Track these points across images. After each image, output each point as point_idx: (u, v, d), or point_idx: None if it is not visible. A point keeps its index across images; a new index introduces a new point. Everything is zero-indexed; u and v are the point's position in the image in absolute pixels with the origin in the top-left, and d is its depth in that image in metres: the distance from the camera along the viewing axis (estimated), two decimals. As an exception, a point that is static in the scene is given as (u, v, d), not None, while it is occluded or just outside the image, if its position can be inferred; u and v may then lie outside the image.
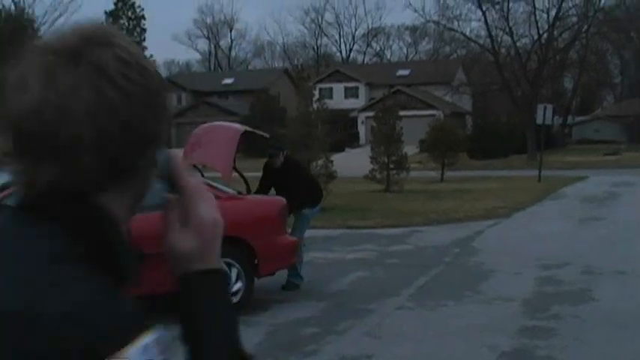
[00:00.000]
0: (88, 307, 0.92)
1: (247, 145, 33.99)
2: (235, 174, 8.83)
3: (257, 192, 9.42)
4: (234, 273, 8.03)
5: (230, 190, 8.54)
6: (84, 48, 0.99)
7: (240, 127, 9.18)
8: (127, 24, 71.68)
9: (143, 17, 71.89)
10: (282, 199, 9.17)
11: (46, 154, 0.97)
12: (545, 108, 29.25)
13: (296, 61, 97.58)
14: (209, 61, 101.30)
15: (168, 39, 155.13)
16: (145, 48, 72.53)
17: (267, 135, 9.67)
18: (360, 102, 69.98)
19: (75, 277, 0.95)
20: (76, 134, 0.96)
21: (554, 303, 8.22)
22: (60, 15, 48.72)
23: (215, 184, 8.53)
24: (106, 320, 0.92)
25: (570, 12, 50.38)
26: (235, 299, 8.04)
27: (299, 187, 9.27)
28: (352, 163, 30.25)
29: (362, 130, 63.52)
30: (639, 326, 7.20)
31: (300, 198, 9.24)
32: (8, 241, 1.00)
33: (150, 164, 1.11)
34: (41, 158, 0.97)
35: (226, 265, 7.99)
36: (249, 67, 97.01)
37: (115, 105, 0.98)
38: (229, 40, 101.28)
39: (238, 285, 8.05)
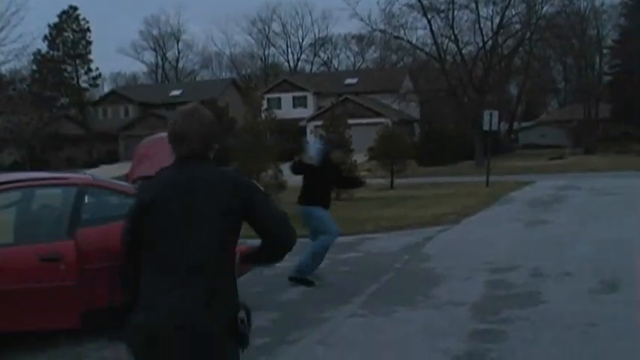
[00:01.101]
0: (238, 173, 3.70)
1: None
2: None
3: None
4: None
5: (179, 202, 8.47)
6: (194, 111, 3.66)
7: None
8: (71, 37, 70.85)
9: (88, 30, 71.21)
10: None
11: (197, 142, 3.54)
12: (491, 114, 29.61)
13: (244, 72, 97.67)
14: (156, 73, 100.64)
15: (114, 51, 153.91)
16: (90, 61, 71.93)
17: (215, 146, 9.60)
18: (308, 111, 70.13)
19: (228, 169, 3.69)
20: (201, 136, 3.55)
21: (504, 306, 8.32)
22: (2, 28, 47.97)
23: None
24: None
25: (513, 19, 51.19)
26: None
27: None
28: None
29: (311, 139, 63.57)
30: (586, 327, 7.32)
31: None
32: (201, 167, 3.54)
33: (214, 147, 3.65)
34: (196, 142, 3.54)
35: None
36: (197, 79, 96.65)
37: (207, 129, 3.59)
38: (176, 52, 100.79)
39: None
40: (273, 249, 3.72)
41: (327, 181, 10.48)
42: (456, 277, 10.26)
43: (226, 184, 3.47)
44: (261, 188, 3.78)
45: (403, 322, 7.94)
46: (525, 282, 9.64)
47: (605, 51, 69.06)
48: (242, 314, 3.54)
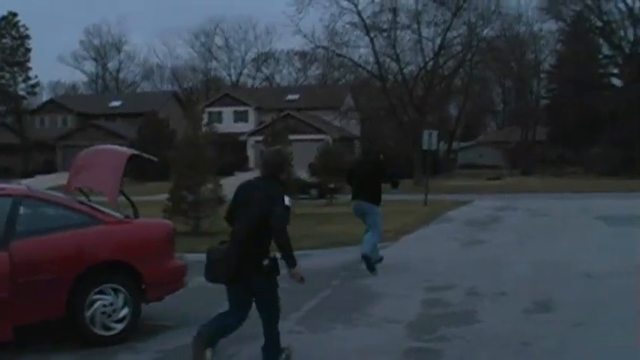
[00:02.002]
0: (281, 192, 6.29)
1: (134, 169, 33.37)
2: (122, 198, 8.67)
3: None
4: (121, 298, 7.87)
5: (117, 215, 8.38)
6: (276, 150, 6.99)
7: (128, 151, 9.03)
8: (10, 43, 69.60)
9: (28, 37, 70.02)
10: (170, 224, 9.07)
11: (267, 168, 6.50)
12: (430, 134, 29.93)
13: (185, 85, 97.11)
14: (96, 83, 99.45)
15: (54, 60, 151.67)
16: (29, 68, 70.73)
17: (154, 159, 9.53)
18: (249, 126, 70.02)
19: (279, 188, 6.35)
20: (270, 166, 6.50)
21: (441, 325, 8.38)
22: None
23: (101, 208, 8.36)
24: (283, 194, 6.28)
25: (455, 41, 51.93)
26: (122, 325, 7.88)
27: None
28: (242, 187, 30.17)
29: (251, 154, 63.56)
30: (520, 346, 7.41)
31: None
32: (265, 182, 6.43)
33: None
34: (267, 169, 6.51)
35: (113, 290, 7.85)
36: (138, 90, 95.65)
37: (275, 162, 6.55)
38: (117, 62, 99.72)
39: (125, 311, 7.88)
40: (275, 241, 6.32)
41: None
42: (393, 295, 10.31)
43: (265, 195, 6.31)
44: (286, 204, 6.23)
45: (339, 339, 7.94)
46: (461, 301, 9.73)
47: (542, 75, 70.49)
48: (265, 261, 6.42)
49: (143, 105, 68.34)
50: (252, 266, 6.35)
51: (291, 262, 6.40)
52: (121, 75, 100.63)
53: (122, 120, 71.40)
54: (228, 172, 43.93)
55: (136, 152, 9.15)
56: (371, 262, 12.26)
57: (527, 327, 8.22)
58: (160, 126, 57.92)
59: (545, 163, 62.82)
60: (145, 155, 9.43)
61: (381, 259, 12.82)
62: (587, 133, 57.61)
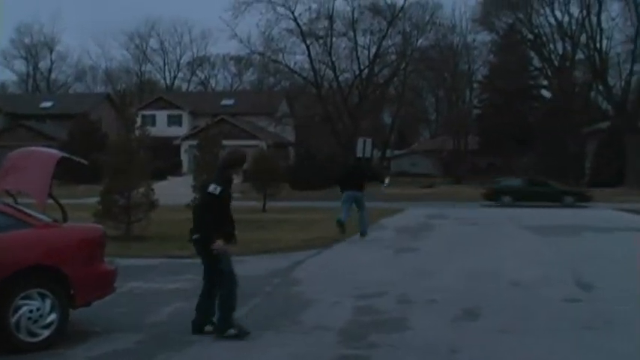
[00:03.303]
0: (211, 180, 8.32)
1: (64, 172, 32.83)
2: (51, 201, 8.52)
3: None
4: (48, 304, 7.71)
5: (45, 218, 8.23)
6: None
7: (58, 153, 8.88)
8: None
9: (-45, 34, 68.35)
10: (100, 228, 8.95)
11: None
12: (364, 141, 30.03)
13: (119, 87, 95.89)
14: (26, 83, 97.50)
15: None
16: (-44, 66, 68.94)
17: (85, 162, 9.39)
18: (183, 130, 69.53)
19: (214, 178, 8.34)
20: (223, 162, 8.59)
21: (371, 332, 8.43)
22: None
23: (29, 212, 8.20)
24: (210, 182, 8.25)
25: (390, 50, 52.51)
26: (49, 331, 7.72)
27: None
28: (174, 191, 29.92)
29: (185, 158, 63.10)
30: (449, 354, 7.51)
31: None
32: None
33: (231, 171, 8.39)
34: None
35: (40, 295, 7.69)
36: (70, 91, 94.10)
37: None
38: (49, 62, 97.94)
39: (52, 316, 7.73)
40: None
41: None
42: (325, 302, 10.33)
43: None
44: (208, 191, 8.09)
45: (270, 346, 7.93)
46: (392, 308, 9.81)
47: (475, 85, 71.59)
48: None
49: (75, 106, 67.26)
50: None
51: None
52: (53, 75, 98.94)
53: (53, 121, 70.14)
54: (161, 176, 43.55)
55: (65, 155, 9.00)
56: (365, 233, 19.05)
57: (455, 334, 8.32)
58: (91, 128, 57.11)
59: (476, 172, 63.77)
60: (75, 158, 9.28)
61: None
62: (517, 142, 58.68)
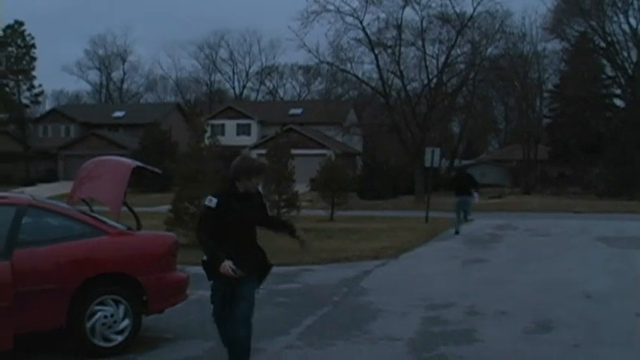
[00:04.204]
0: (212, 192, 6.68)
1: (137, 181, 33.40)
2: (125, 209, 8.70)
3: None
4: (121, 310, 7.89)
5: (119, 226, 8.41)
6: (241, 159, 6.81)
7: (132, 162, 9.07)
8: (15, 52, 69.71)
9: (34, 46, 70.10)
10: (173, 236, 9.09)
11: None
12: (433, 151, 29.93)
13: (189, 96, 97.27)
14: (100, 93, 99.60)
15: (59, 69, 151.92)
16: (33, 77, 70.86)
17: (158, 171, 9.57)
18: (252, 139, 70.07)
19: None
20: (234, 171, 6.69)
21: (440, 343, 8.39)
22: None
23: (104, 219, 8.39)
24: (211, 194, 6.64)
25: (459, 59, 51.97)
26: (122, 337, 7.89)
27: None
28: (243, 200, 30.14)
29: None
30: (520, 366, 7.43)
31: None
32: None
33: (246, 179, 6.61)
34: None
35: (114, 302, 7.87)
36: (141, 101, 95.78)
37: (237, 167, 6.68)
38: (121, 73, 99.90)
39: (126, 322, 7.91)
40: None
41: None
42: (393, 312, 10.32)
43: None
44: (205, 203, 6.71)
45: (340, 355, 7.96)
46: (461, 319, 9.74)
47: (545, 94, 70.50)
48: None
49: (146, 116, 68.40)
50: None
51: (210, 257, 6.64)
52: (125, 85, 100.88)
53: (125, 130, 71.51)
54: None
55: (140, 164, 9.18)
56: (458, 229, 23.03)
57: (526, 347, 8.22)
58: (162, 137, 58.02)
59: (545, 182, 62.77)
60: (149, 167, 9.46)
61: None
62: (588, 153, 57.60)
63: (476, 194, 23.20)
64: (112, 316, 7.85)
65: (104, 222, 8.30)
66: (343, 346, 8.35)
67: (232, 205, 6.53)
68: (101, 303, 7.82)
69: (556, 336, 8.77)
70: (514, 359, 7.67)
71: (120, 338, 7.90)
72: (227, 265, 6.31)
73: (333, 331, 9.08)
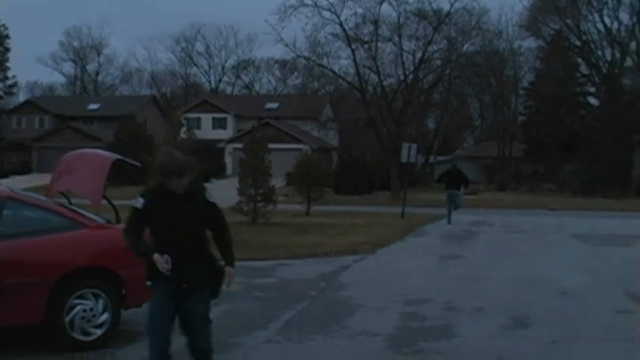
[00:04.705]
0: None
1: (115, 174, 33.18)
2: (105, 202, 8.66)
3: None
4: (101, 304, 7.85)
5: (99, 219, 8.36)
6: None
7: (112, 156, 9.03)
8: (-13, 42, 68.95)
9: (7, 37, 69.33)
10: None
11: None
12: (409, 147, 29.99)
13: (164, 90, 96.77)
14: (74, 85, 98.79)
15: (33, 60, 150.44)
16: (7, 68, 70.14)
17: (138, 164, 9.54)
18: (227, 133, 69.93)
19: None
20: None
21: (419, 338, 8.43)
22: None
23: (83, 213, 8.34)
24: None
25: (435, 55, 52.04)
26: (101, 331, 7.85)
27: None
28: (219, 193, 30.07)
29: (229, 161, 63.45)
30: (498, 362, 7.49)
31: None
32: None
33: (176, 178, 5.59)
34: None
35: (94, 295, 7.83)
36: (116, 94, 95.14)
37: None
38: (97, 65, 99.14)
39: (105, 316, 7.87)
40: None
41: None
42: (371, 308, 10.35)
43: None
44: (133, 204, 5.80)
45: (319, 350, 7.98)
46: (438, 315, 9.79)
47: (520, 92, 70.89)
48: None
49: (121, 108, 67.95)
50: None
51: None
52: (100, 78, 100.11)
53: (99, 123, 71.04)
54: (206, 178, 43.80)
55: (120, 157, 9.14)
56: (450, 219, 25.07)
57: (504, 343, 8.28)
58: (137, 130, 57.68)
59: (520, 180, 63.18)
60: (129, 160, 9.42)
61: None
62: (562, 150, 58.01)
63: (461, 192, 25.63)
64: (91, 309, 7.81)
65: (83, 215, 8.25)
66: (322, 340, 8.37)
67: (161, 204, 5.66)
68: (80, 297, 7.77)
69: (533, 332, 8.84)
70: (492, 355, 7.72)
71: (99, 332, 7.86)
72: (158, 257, 5.57)
73: (312, 325, 9.10)
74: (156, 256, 5.58)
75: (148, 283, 5.94)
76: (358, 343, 8.30)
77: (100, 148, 23.92)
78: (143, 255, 5.80)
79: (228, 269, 5.92)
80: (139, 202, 5.73)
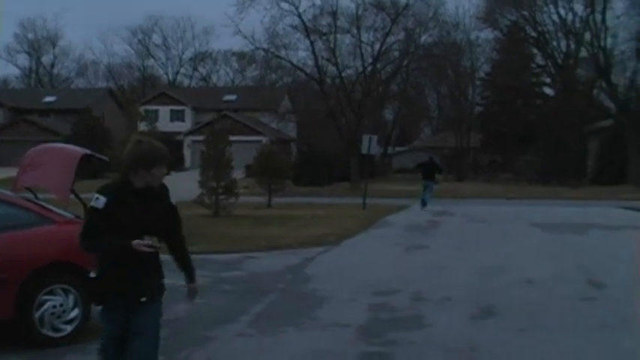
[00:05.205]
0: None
1: (81, 168, 32.75)
2: (73, 197, 8.57)
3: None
4: (71, 299, 7.77)
5: (67, 214, 8.27)
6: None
7: (81, 150, 8.93)
8: (-61, 34, 67.65)
9: (-41, 29, 68.22)
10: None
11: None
12: (370, 138, 30.11)
13: (121, 82, 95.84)
14: (29, 78, 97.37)
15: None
16: (-41, 61, 68.91)
17: (106, 159, 9.45)
18: (186, 125, 69.56)
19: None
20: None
21: (389, 329, 8.48)
22: None
23: (51, 208, 8.25)
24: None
25: (393, 47, 52.24)
26: (72, 327, 7.78)
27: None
28: (178, 186, 29.87)
29: (187, 153, 63.12)
30: (469, 351, 7.57)
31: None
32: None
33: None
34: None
35: (64, 291, 7.75)
36: (72, 86, 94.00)
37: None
38: (52, 57, 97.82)
39: (75, 312, 7.79)
40: None
41: None
42: (340, 299, 10.39)
43: None
44: (90, 204, 4.91)
45: (291, 342, 7.98)
46: (408, 306, 9.86)
47: (477, 82, 71.47)
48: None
49: (78, 101, 67.20)
50: None
51: None
52: (55, 70, 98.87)
53: (56, 116, 70.10)
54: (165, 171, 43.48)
55: (88, 152, 9.04)
56: (425, 204, 27.12)
57: (474, 332, 8.37)
58: (94, 123, 57.05)
59: (477, 170, 63.81)
60: (97, 155, 9.33)
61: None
62: (519, 140, 58.67)
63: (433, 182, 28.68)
64: (61, 305, 7.73)
65: (51, 210, 8.16)
66: (294, 333, 8.38)
67: (128, 203, 4.86)
68: (50, 292, 7.69)
69: (502, 321, 8.95)
70: (464, 344, 7.79)
71: (69, 328, 7.79)
72: (138, 241, 4.76)
73: (283, 318, 9.11)
74: (135, 241, 4.73)
75: (99, 307, 5.09)
76: (330, 334, 8.33)
77: (57, 141, 23.66)
78: (109, 248, 4.87)
79: (192, 286, 5.40)
80: (99, 201, 4.82)
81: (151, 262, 4.97)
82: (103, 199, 4.82)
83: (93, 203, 4.85)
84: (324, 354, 7.51)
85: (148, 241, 4.78)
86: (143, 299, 4.95)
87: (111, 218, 4.82)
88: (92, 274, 5.05)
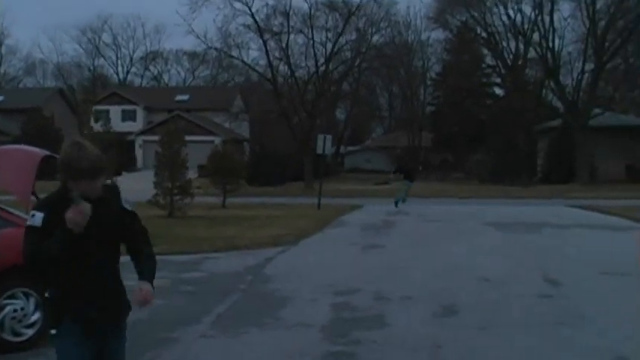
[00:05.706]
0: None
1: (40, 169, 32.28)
2: (34, 199, 8.47)
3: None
4: (32, 303, 7.69)
5: (28, 217, 8.17)
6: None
7: (41, 152, 8.84)
8: None
9: None
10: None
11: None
12: (325, 138, 30.21)
13: (70, 81, 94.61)
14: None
15: None
16: None
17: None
18: (137, 125, 68.94)
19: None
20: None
21: (352, 328, 8.54)
22: None
23: (11, 210, 8.15)
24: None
25: (345, 47, 52.43)
26: (33, 331, 7.70)
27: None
28: (131, 186, 29.62)
29: (139, 153, 62.59)
30: (432, 349, 7.66)
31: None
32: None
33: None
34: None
35: (24, 294, 7.67)
36: (20, 85, 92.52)
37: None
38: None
39: (37, 315, 7.71)
40: None
41: None
42: (302, 299, 10.43)
43: None
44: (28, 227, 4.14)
45: (255, 343, 8.00)
46: (370, 305, 9.93)
47: (429, 82, 72.09)
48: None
49: (26, 101, 66.08)
50: None
51: None
52: (2, 69, 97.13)
53: (3, 116, 68.91)
54: (117, 171, 43.08)
55: (49, 153, 8.95)
56: (397, 204, 28.34)
57: (436, 330, 8.47)
58: (44, 123, 56.23)
59: (429, 169, 64.34)
60: (56, 156, 9.22)
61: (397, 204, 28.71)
62: (469, 139, 59.31)
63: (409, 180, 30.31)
64: (22, 309, 7.65)
65: (11, 213, 8.07)
66: (258, 333, 8.40)
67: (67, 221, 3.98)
68: (11, 296, 7.61)
69: (462, 319, 9.07)
70: (427, 342, 7.88)
71: (30, 332, 7.70)
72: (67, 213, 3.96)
73: (245, 319, 9.12)
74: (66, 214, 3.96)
75: (52, 331, 4.18)
76: (294, 334, 8.36)
77: (6, 142, 23.30)
78: (54, 245, 3.98)
79: (145, 287, 4.29)
80: (35, 219, 4.08)
81: (113, 278, 4.32)
82: (39, 215, 4.08)
83: (29, 222, 4.15)
84: (289, 354, 7.54)
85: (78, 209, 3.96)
86: (109, 325, 4.28)
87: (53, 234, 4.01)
88: (47, 294, 4.30)
